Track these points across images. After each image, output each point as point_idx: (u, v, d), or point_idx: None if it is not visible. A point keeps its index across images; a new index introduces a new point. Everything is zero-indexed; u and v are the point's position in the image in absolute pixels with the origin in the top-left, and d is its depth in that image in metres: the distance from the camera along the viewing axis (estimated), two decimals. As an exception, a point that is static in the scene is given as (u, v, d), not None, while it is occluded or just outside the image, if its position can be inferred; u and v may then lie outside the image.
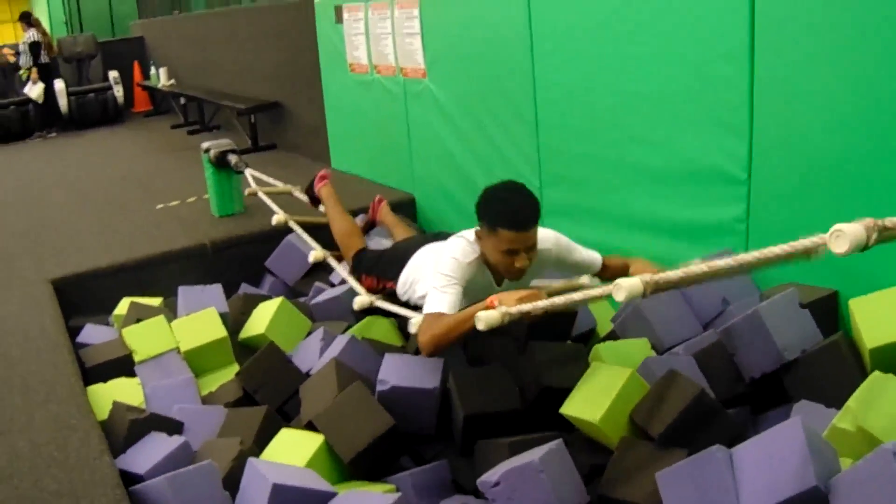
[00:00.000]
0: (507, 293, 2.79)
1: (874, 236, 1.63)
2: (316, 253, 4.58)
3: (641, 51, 3.64)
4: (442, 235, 3.65)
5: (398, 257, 3.65)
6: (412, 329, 3.23)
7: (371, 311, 3.84)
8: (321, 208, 4.85)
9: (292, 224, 4.90)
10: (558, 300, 2.59)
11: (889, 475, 2.03)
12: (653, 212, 3.77)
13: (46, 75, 11.35)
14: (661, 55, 3.55)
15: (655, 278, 2.31)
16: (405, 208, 5.65)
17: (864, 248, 1.69)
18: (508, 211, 2.93)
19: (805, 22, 3.00)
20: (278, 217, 4.89)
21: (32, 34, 11.22)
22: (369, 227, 4.91)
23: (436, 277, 3.04)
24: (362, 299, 3.80)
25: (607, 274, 3.35)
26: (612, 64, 3.81)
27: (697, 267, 2.27)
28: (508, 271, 3.04)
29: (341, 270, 4.27)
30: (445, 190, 5.33)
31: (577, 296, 2.58)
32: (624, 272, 3.13)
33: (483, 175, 4.86)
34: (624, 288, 2.27)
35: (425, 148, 5.51)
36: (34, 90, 11.20)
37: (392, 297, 3.71)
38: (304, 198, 5.15)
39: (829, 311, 3.13)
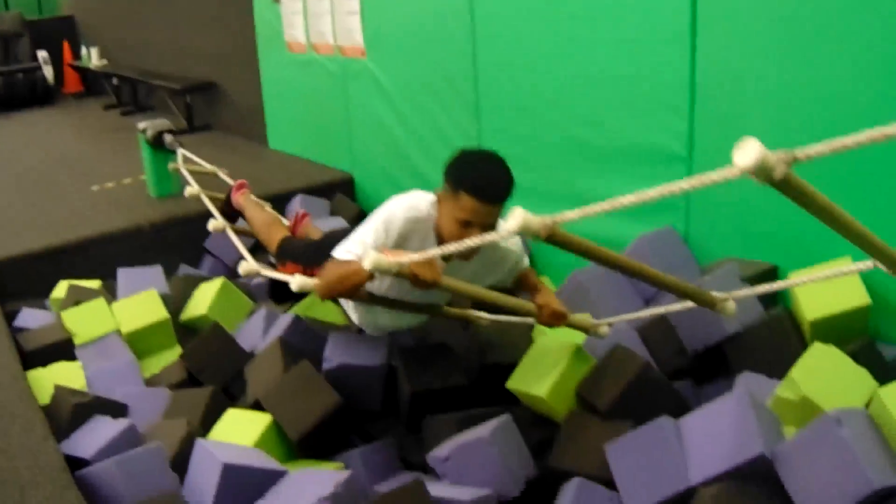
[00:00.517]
0: (407, 255, 2.49)
1: (781, 167, 1.48)
2: (190, 189, 4.41)
3: (584, 33, 3.67)
4: None
5: (330, 244, 3.11)
6: (294, 288, 2.84)
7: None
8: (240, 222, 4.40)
9: (203, 197, 4.54)
10: (436, 251, 2.42)
11: (832, 442, 2.11)
12: (596, 190, 3.79)
13: None
14: (604, 37, 3.59)
15: (558, 218, 2.01)
16: (344, 188, 5.63)
17: (770, 177, 1.52)
18: (480, 177, 2.59)
19: (745, 4, 3.06)
20: (190, 189, 4.54)
21: None
22: (288, 242, 4.16)
23: (365, 226, 2.76)
24: (248, 266, 3.45)
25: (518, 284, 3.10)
26: (555, 46, 3.84)
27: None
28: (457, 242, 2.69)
29: (233, 238, 4.02)
30: (384, 170, 5.32)
31: (472, 242, 2.24)
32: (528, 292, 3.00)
33: (422, 156, 4.88)
34: (517, 217, 1.90)
35: (364, 128, 5.49)
36: None
37: None
38: (228, 179, 5.03)
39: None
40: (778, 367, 2.70)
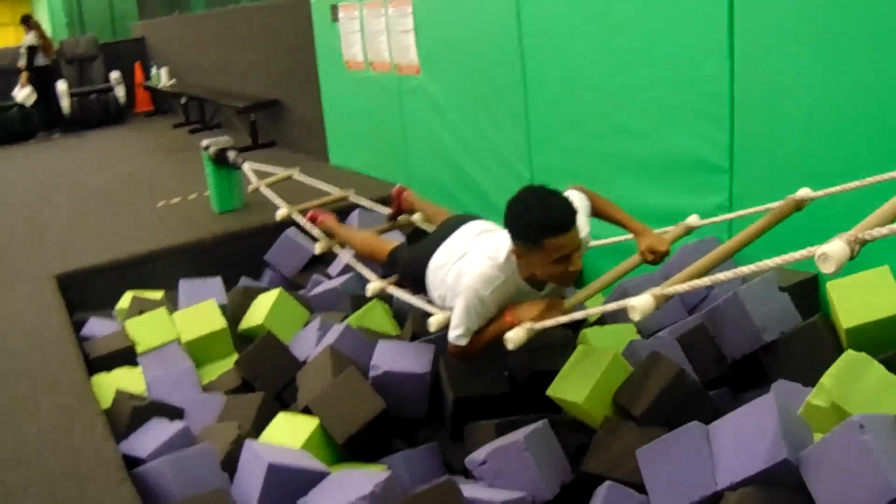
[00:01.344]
0: (523, 307, 2.84)
1: (857, 248, 1.81)
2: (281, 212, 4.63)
3: (627, 45, 3.74)
4: (463, 219, 3.44)
5: (418, 265, 3.39)
6: (431, 328, 3.19)
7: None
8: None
9: (295, 216, 4.76)
10: (577, 314, 2.73)
11: (855, 446, 2.12)
12: (640, 201, 3.86)
13: (45, 78, 11.45)
14: (646, 49, 3.65)
15: (665, 292, 2.45)
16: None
17: (851, 259, 1.85)
18: (549, 217, 2.66)
19: (782, 15, 3.10)
20: (282, 211, 4.76)
21: (31, 37, 11.33)
22: (395, 217, 4.64)
23: (462, 306, 2.95)
24: (375, 285, 3.76)
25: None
26: (599, 58, 3.91)
27: (700, 281, 2.50)
28: (563, 278, 2.81)
29: (345, 256, 4.28)
30: (439, 183, 5.43)
31: (593, 310, 2.77)
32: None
33: (475, 168, 4.98)
34: (638, 309, 2.40)
35: (420, 142, 5.62)
36: (21, 94, 11.31)
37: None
38: (304, 179, 5.22)
39: (809, 295, 3.22)
40: (814, 375, 2.69)
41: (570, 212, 2.68)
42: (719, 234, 3.54)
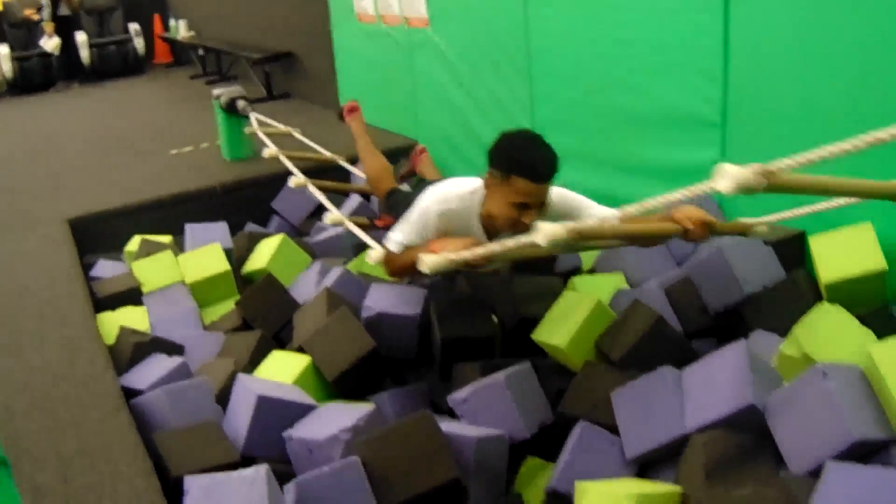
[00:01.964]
0: (450, 240, 2.72)
1: (762, 182, 1.67)
2: (297, 180, 4.54)
3: (625, 1, 3.78)
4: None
5: (410, 201, 3.31)
6: (369, 260, 3.15)
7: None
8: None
9: (281, 157, 4.85)
10: (495, 247, 2.49)
11: (818, 392, 2.20)
12: (636, 154, 3.92)
13: (66, 28, 11.51)
14: (643, 4, 3.70)
15: (578, 227, 2.28)
16: (409, 153, 5.82)
17: (751, 190, 1.69)
18: (529, 158, 2.68)
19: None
20: (296, 180, 4.56)
21: None
22: (409, 176, 4.73)
23: (410, 215, 2.96)
24: (333, 216, 3.89)
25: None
26: (598, 13, 3.96)
27: (617, 224, 2.47)
28: (513, 226, 2.75)
29: (316, 193, 4.33)
30: (447, 136, 5.50)
31: (509, 242, 2.43)
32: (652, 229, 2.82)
33: (481, 121, 5.04)
34: (543, 232, 2.18)
35: (428, 95, 5.68)
36: (49, 43, 11.41)
37: None
38: (304, 139, 5.31)
39: (796, 251, 3.28)
40: (792, 327, 2.79)
41: (551, 165, 2.70)
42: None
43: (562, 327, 2.96)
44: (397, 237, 2.95)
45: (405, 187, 4.02)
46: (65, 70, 11.71)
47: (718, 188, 1.69)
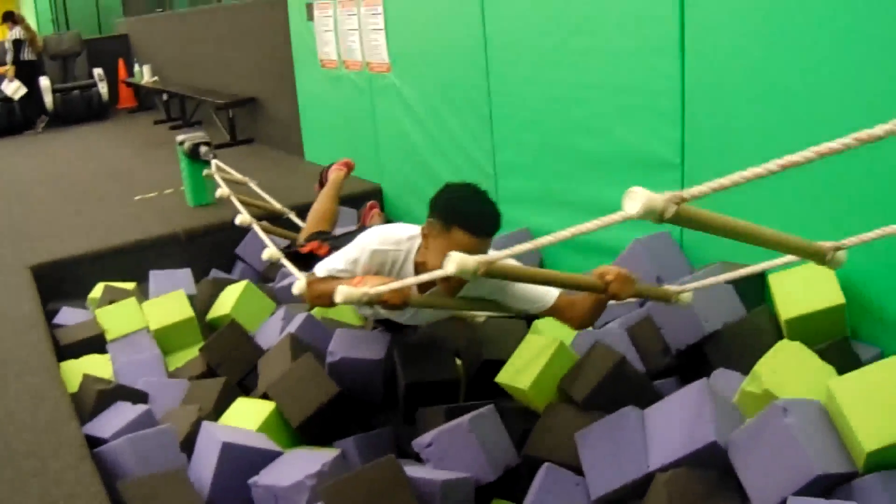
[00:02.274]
0: (372, 277, 2.72)
1: (672, 209, 1.63)
2: (243, 217, 4.53)
3: (583, 45, 3.86)
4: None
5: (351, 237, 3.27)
6: (294, 290, 3.06)
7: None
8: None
9: (233, 199, 4.80)
10: (410, 281, 2.57)
11: (778, 429, 2.24)
12: (597, 196, 3.96)
13: (31, 72, 11.49)
14: (601, 48, 3.77)
15: (489, 258, 2.24)
16: (373, 198, 5.84)
17: (660, 217, 1.65)
18: (472, 212, 2.65)
19: (731, 13, 3.22)
20: (242, 217, 4.59)
21: (16, 31, 11.38)
22: (359, 232, 4.42)
23: (346, 247, 2.94)
24: (270, 251, 3.85)
25: (565, 314, 2.96)
26: (558, 58, 4.03)
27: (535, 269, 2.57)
28: (445, 281, 2.73)
29: (259, 232, 4.40)
30: (409, 180, 5.54)
31: (424, 277, 2.52)
32: (585, 306, 2.87)
33: (443, 166, 5.08)
34: (454, 260, 2.16)
35: (391, 140, 5.72)
36: (9, 87, 11.35)
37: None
38: (258, 190, 5.30)
39: (756, 288, 3.32)
40: (754, 364, 2.81)
41: (494, 222, 2.68)
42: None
43: (525, 370, 2.98)
44: (327, 264, 2.93)
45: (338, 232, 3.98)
46: (31, 114, 11.65)
47: (627, 210, 1.65)
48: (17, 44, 11.34)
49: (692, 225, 1.75)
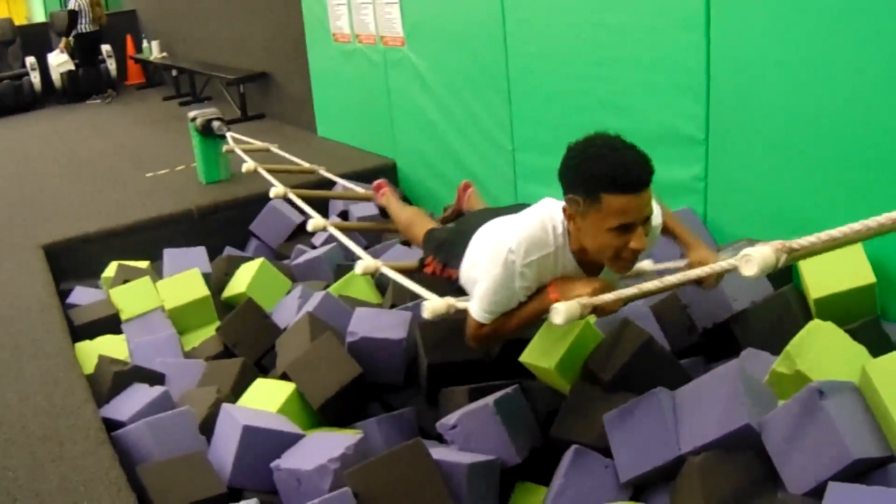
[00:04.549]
0: (571, 281, 2.33)
1: (783, 258, 1.78)
2: (277, 190, 4.38)
3: (606, 19, 3.78)
4: (519, 207, 2.70)
5: (460, 238, 2.84)
6: (426, 314, 2.70)
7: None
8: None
9: (260, 170, 4.76)
10: (629, 291, 2.24)
11: (814, 412, 2.18)
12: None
13: (89, 44, 11.35)
14: (625, 23, 3.69)
15: (594, 301, 2.20)
16: (387, 173, 5.78)
17: (775, 268, 1.83)
18: (617, 167, 2.11)
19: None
20: (276, 190, 4.39)
21: (73, 1, 11.23)
22: (456, 217, 3.84)
23: (485, 276, 2.45)
24: (366, 264, 3.35)
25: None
26: (580, 32, 3.94)
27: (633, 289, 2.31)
28: (619, 258, 2.25)
29: (297, 201, 4.20)
30: (425, 155, 5.47)
31: (671, 278, 2.23)
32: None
33: (459, 140, 5.02)
34: (561, 311, 2.15)
35: (405, 115, 5.65)
36: (55, 59, 11.38)
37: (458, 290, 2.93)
38: (282, 153, 5.26)
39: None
40: (782, 344, 2.72)
41: (645, 169, 2.15)
42: (695, 204, 3.60)
43: (550, 349, 2.92)
44: (486, 308, 2.48)
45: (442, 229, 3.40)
46: (93, 84, 11.67)
47: (745, 273, 1.91)
48: (73, 14, 11.16)
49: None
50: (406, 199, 4.80)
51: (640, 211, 2.14)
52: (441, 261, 2.95)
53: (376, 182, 4.14)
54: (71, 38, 11.32)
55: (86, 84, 11.65)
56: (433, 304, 2.67)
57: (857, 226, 1.67)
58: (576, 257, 2.38)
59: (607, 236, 2.17)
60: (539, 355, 2.95)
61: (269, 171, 4.75)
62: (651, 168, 2.16)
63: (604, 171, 2.11)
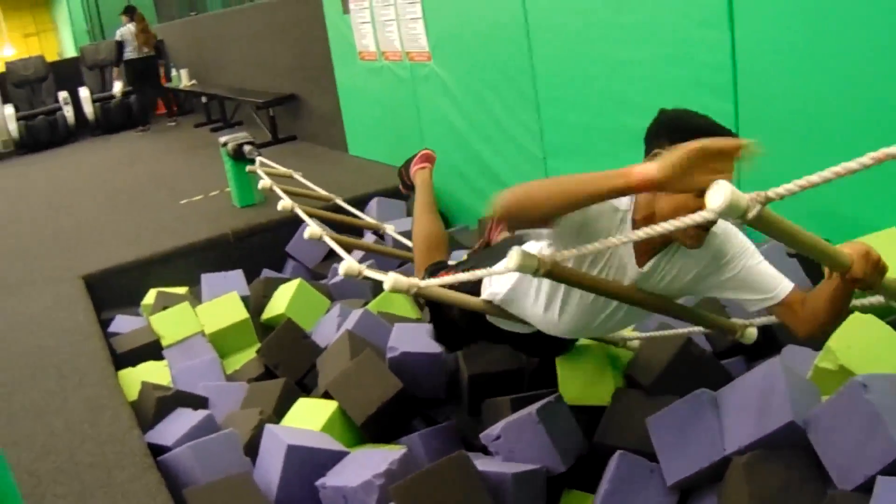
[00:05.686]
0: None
1: (756, 208, 1.53)
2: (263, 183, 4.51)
3: (629, 20, 3.77)
4: None
5: (496, 253, 2.62)
6: (386, 286, 2.41)
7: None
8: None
9: (275, 188, 4.74)
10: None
11: (858, 404, 2.15)
12: (648, 175, 3.88)
13: (136, 70, 11.48)
14: (648, 23, 3.68)
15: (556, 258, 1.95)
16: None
17: (743, 216, 1.53)
18: (707, 126, 1.98)
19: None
20: (284, 203, 4.39)
21: (119, 31, 11.36)
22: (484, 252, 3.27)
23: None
24: (350, 266, 3.07)
25: (795, 313, 2.23)
26: (603, 34, 3.94)
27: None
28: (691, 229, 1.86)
29: (331, 243, 3.83)
30: (457, 168, 5.48)
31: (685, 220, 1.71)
32: (819, 302, 2.15)
33: (490, 152, 5.02)
34: (720, 191, 1.54)
35: (435, 128, 5.67)
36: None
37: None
38: (303, 180, 5.30)
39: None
40: (824, 339, 2.73)
41: (729, 131, 2.00)
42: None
43: (592, 382, 2.93)
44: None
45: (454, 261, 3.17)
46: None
47: (710, 203, 1.54)
48: (119, 45, 11.34)
49: (766, 230, 1.63)
50: (441, 214, 4.78)
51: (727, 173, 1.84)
52: (462, 271, 2.60)
53: (424, 152, 3.90)
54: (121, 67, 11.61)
55: (139, 108, 11.92)
56: (396, 280, 2.40)
57: (836, 168, 1.54)
58: (640, 221, 2.09)
59: (685, 195, 1.91)
60: (584, 393, 2.93)
61: (290, 193, 4.72)
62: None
63: (696, 124, 1.99)
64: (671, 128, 2.02)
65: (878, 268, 1.94)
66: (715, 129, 1.98)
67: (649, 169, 1.71)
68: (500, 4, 4.58)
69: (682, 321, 2.63)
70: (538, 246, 2.24)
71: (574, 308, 2.33)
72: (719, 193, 1.51)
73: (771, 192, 1.55)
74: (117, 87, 11.75)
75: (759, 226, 1.59)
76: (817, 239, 1.84)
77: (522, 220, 1.97)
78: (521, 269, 1.96)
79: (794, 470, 2.22)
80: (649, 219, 2.02)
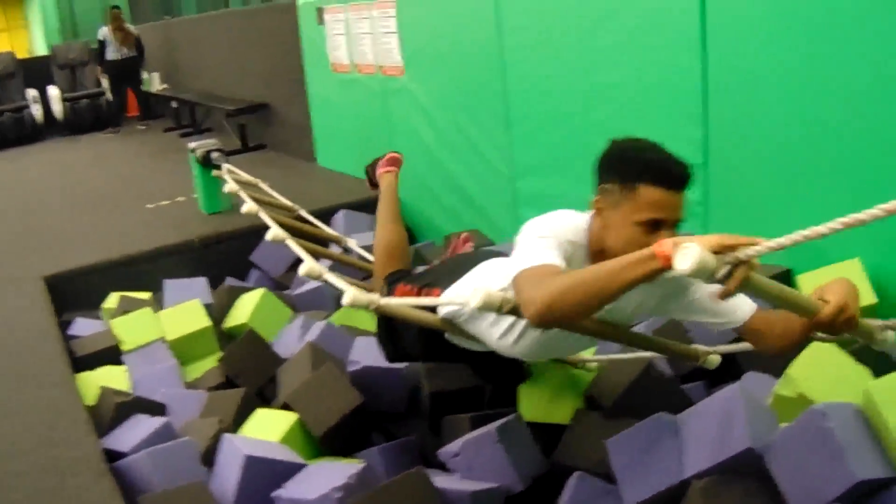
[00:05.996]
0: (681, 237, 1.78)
1: (723, 269, 1.60)
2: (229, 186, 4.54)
3: (603, 43, 3.80)
4: None
5: (457, 267, 2.70)
6: (345, 301, 2.34)
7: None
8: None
9: (241, 193, 4.69)
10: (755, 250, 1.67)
11: (817, 434, 2.17)
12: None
13: (116, 71, 11.31)
14: (621, 47, 3.71)
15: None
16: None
17: (712, 274, 1.60)
18: (659, 160, 2.04)
19: (753, 9, 3.16)
20: (275, 233, 4.01)
21: (100, 32, 11.24)
22: (447, 265, 3.20)
23: (525, 240, 2.12)
24: (311, 266, 2.83)
25: (762, 336, 2.29)
26: (576, 56, 3.97)
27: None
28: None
29: (294, 247, 3.71)
30: (425, 183, 5.49)
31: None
32: (789, 329, 2.20)
33: (460, 169, 5.04)
34: (690, 256, 1.59)
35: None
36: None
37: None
38: (270, 191, 5.28)
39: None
40: (785, 367, 2.75)
41: (686, 170, 2.04)
42: (695, 229, 3.60)
43: (541, 400, 2.94)
44: (543, 252, 2.04)
45: (420, 269, 3.27)
46: (118, 111, 11.80)
47: (678, 266, 1.62)
48: (100, 45, 11.20)
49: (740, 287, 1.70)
50: (407, 229, 4.77)
51: (674, 210, 2.02)
52: (420, 285, 2.75)
53: (391, 155, 4.01)
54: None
55: (116, 108, 11.88)
56: (355, 296, 2.34)
57: (805, 231, 1.61)
58: (593, 254, 2.16)
59: (634, 231, 2.02)
60: (545, 411, 2.94)
61: (255, 200, 4.65)
62: (690, 173, 2.06)
63: (647, 160, 2.04)
64: (621, 159, 2.11)
65: (848, 323, 1.97)
66: (665, 163, 2.04)
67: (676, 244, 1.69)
68: (475, 22, 4.60)
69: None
70: (500, 274, 2.27)
71: (532, 337, 2.37)
72: (688, 257, 1.58)
73: (740, 254, 1.62)
74: (105, 83, 11.70)
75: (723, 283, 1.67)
76: (789, 290, 1.89)
77: (562, 321, 1.97)
78: (484, 308, 2.02)
79: (751, 496, 2.23)
80: (599, 253, 2.12)
